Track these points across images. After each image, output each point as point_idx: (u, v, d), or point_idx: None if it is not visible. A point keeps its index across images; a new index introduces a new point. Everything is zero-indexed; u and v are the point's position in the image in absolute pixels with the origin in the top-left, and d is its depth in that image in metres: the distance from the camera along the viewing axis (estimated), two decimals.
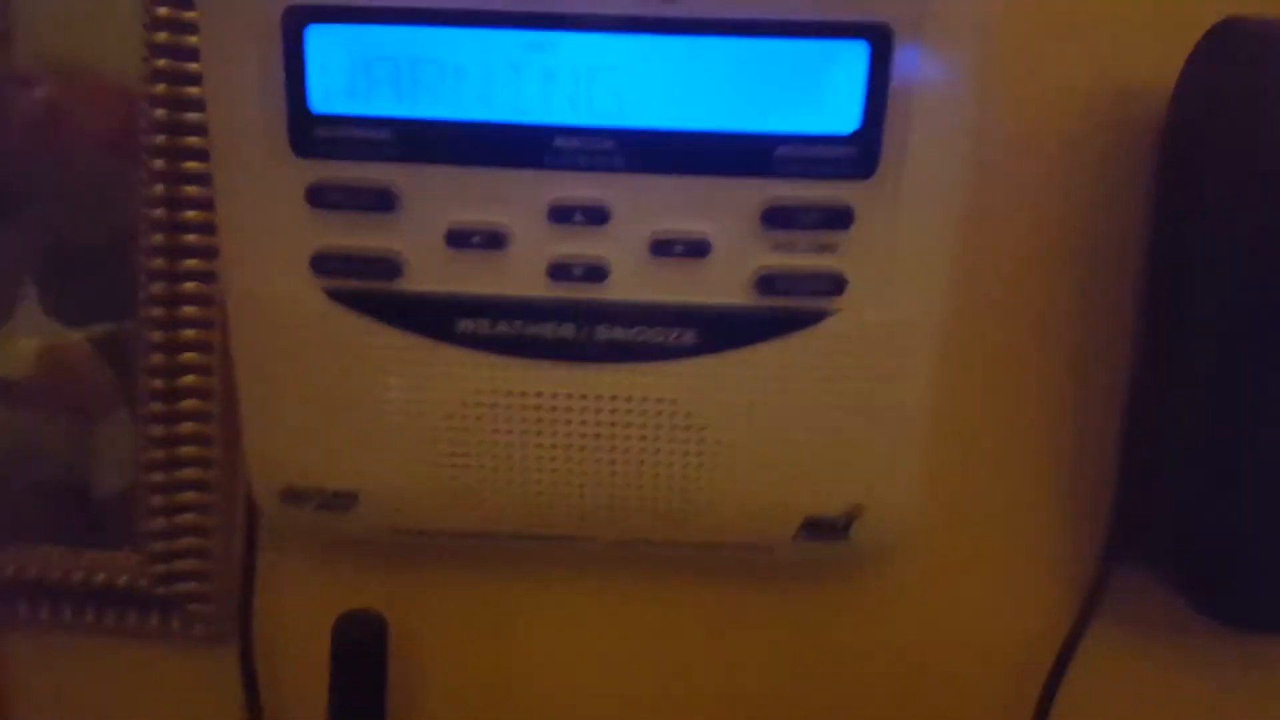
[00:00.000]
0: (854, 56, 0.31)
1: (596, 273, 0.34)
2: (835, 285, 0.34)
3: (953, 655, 0.44)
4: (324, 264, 0.35)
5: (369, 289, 0.35)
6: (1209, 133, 0.36)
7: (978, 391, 0.42)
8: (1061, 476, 0.42)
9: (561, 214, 0.34)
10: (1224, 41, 0.35)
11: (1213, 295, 0.36)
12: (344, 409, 0.37)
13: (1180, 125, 0.37)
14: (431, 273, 0.35)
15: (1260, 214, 0.34)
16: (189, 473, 0.45)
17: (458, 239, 0.34)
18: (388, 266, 0.35)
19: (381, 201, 0.34)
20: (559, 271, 0.34)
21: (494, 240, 0.34)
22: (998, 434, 0.42)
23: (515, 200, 0.34)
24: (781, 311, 0.34)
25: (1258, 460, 0.36)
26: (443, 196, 0.34)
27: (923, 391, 0.35)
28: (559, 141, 0.33)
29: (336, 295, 0.35)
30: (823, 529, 0.37)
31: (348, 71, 0.33)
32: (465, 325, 0.35)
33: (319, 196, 0.34)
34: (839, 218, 0.33)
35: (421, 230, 0.34)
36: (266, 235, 0.35)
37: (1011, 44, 0.38)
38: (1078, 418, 0.42)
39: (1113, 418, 0.42)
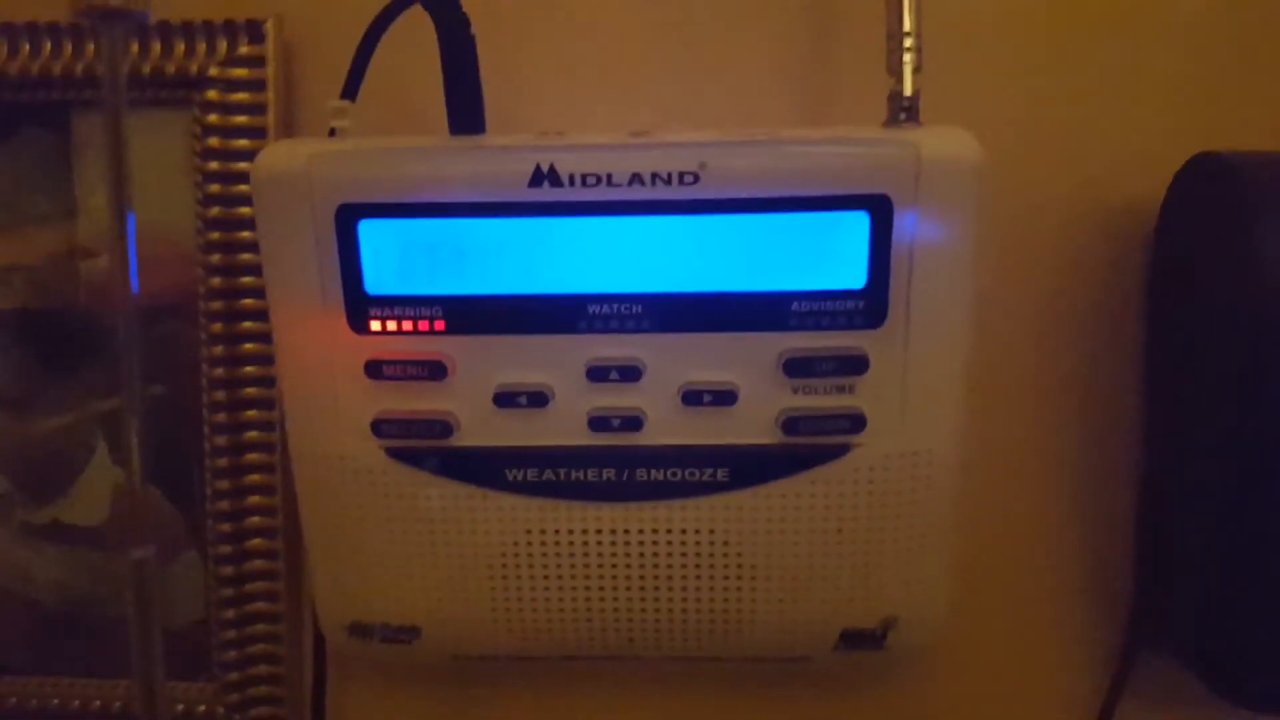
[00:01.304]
0: (857, 224, 0.34)
1: (633, 423, 0.37)
2: (855, 423, 0.36)
3: None
4: (383, 428, 0.38)
5: (425, 446, 0.38)
6: (1192, 255, 0.39)
7: (999, 500, 0.44)
8: (1082, 571, 0.45)
9: (598, 373, 0.37)
10: (1200, 174, 0.38)
11: (1214, 401, 0.39)
12: (404, 553, 0.40)
13: (1166, 248, 0.40)
14: (481, 430, 0.38)
15: (1246, 323, 0.37)
16: (258, 606, 0.48)
17: (504, 399, 0.37)
18: (441, 427, 0.38)
19: (434, 371, 0.37)
20: (598, 423, 0.37)
21: (537, 399, 0.37)
22: (1019, 536, 0.45)
23: (555, 362, 0.37)
24: (806, 448, 0.37)
25: (1268, 551, 0.38)
26: (489, 363, 0.37)
27: (944, 510, 0.38)
28: (593, 308, 0.36)
29: (395, 454, 0.38)
30: (860, 640, 0.40)
31: (398, 258, 0.36)
32: (514, 474, 0.38)
33: (376, 370, 0.37)
34: (854, 364, 0.36)
35: (471, 393, 0.37)
36: (329, 404, 0.38)
37: (1005, 172, 0.41)
38: (1095, 515, 0.44)
39: (1131, 509, 0.44)
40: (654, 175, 0.34)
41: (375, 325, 0.37)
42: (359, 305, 0.37)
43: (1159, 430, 0.42)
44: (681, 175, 0.34)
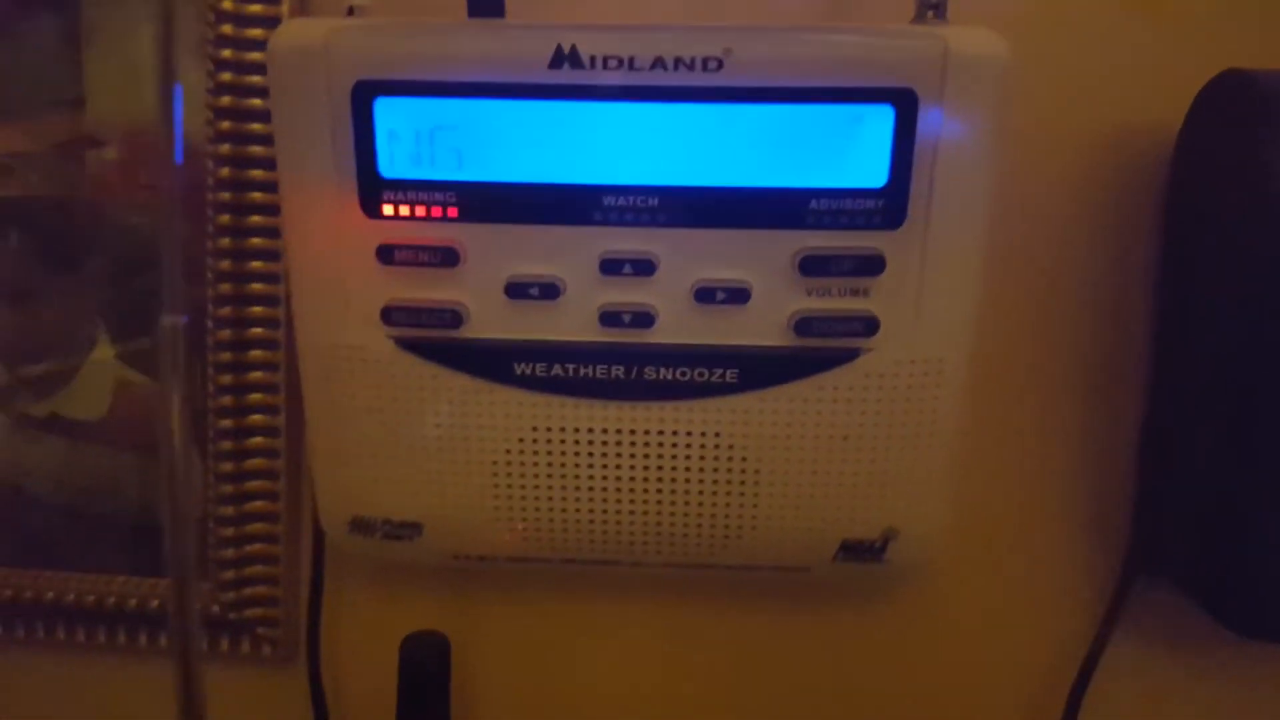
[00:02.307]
0: (881, 119, 0.34)
1: (644, 319, 0.37)
2: (868, 327, 0.36)
3: (981, 666, 0.47)
4: (393, 316, 0.37)
5: (434, 337, 0.38)
6: (1213, 175, 0.38)
7: (1003, 418, 0.44)
8: (1082, 494, 0.45)
9: (611, 266, 0.36)
10: (1225, 91, 0.37)
11: (1221, 323, 0.38)
12: (409, 447, 0.40)
13: (1185, 168, 0.40)
14: (492, 321, 0.37)
15: (1264, 250, 0.36)
16: (257, 505, 0.48)
17: (516, 290, 0.37)
18: (451, 316, 0.37)
19: (446, 258, 0.36)
20: (609, 319, 0.37)
21: (549, 291, 0.37)
22: (1022, 456, 0.45)
23: (568, 254, 0.36)
24: (818, 351, 0.37)
25: (1270, 475, 0.38)
26: (502, 252, 0.37)
27: (952, 422, 0.38)
28: (608, 200, 0.36)
29: (404, 344, 0.38)
30: (860, 551, 0.40)
31: (413, 140, 0.36)
32: (523, 368, 0.38)
33: (388, 255, 0.37)
34: (870, 265, 0.35)
35: (482, 283, 0.37)
36: (338, 290, 0.38)
37: (1022, 92, 0.40)
38: (1097, 437, 0.44)
39: (1130, 436, 0.44)
40: (677, 60, 0.33)
41: (388, 209, 0.36)
42: (372, 188, 0.36)
43: (1169, 348, 0.42)
44: (705, 61, 0.33)
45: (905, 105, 0.33)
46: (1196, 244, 0.40)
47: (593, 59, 0.34)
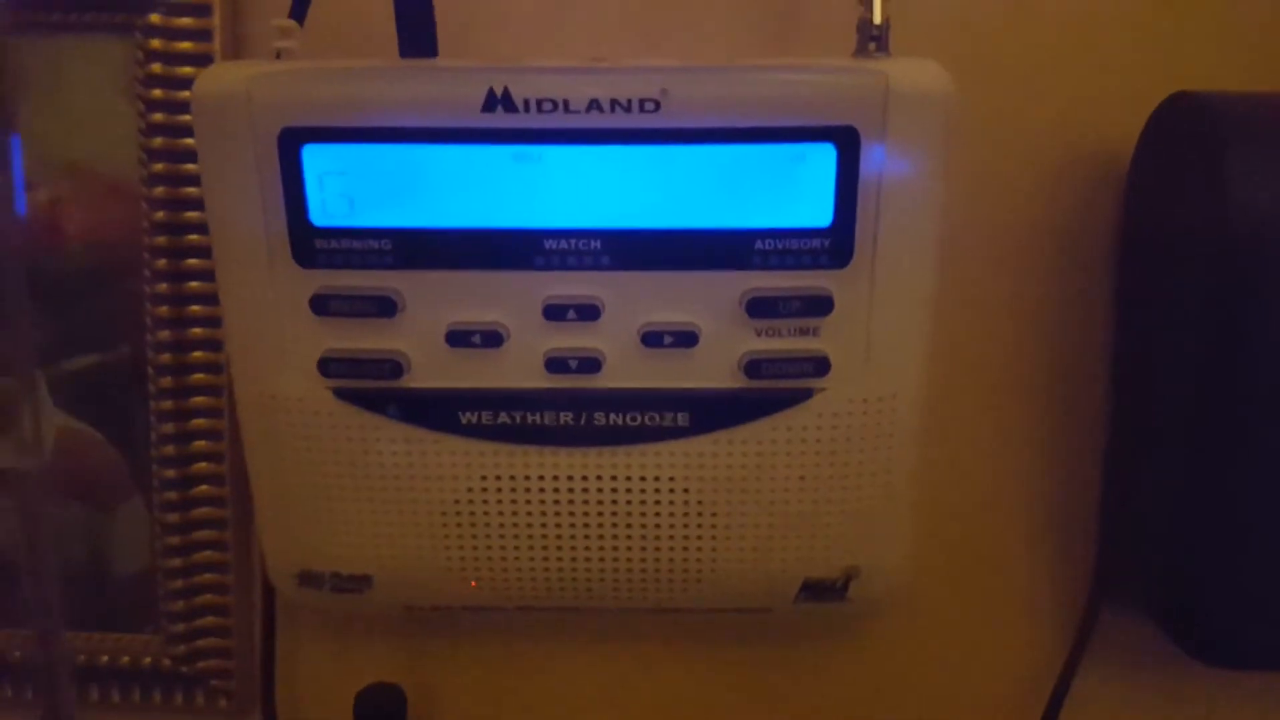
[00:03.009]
0: (823, 157, 0.33)
1: (591, 364, 0.36)
2: (819, 367, 0.35)
3: (949, 700, 0.46)
4: (330, 366, 0.36)
5: (375, 387, 0.37)
6: (1167, 198, 0.38)
7: (961, 451, 0.43)
8: (1046, 523, 0.44)
9: (555, 311, 0.35)
10: (1176, 114, 0.37)
11: (1179, 349, 0.38)
12: (355, 499, 0.39)
13: (1139, 192, 0.39)
14: (434, 370, 0.36)
15: (1219, 275, 0.36)
16: (205, 555, 0.47)
17: (457, 338, 0.36)
18: (392, 366, 0.36)
19: (383, 307, 0.35)
20: (555, 365, 0.36)
21: (492, 338, 0.36)
22: (982, 488, 0.44)
23: (511, 300, 0.35)
24: (769, 392, 0.36)
25: (1228, 502, 0.38)
26: (442, 300, 0.35)
27: (908, 458, 0.37)
28: (549, 244, 0.35)
29: (343, 394, 0.37)
30: (821, 590, 0.39)
31: (345, 186, 0.34)
32: (468, 417, 0.37)
33: (323, 305, 0.35)
34: (819, 305, 0.34)
35: (423, 332, 0.36)
36: (274, 341, 0.36)
37: (971, 120, 0.40)
38: (1058, 468, 0.44)
39: (1092, 465, 0.43)
40: (613, 101, 0.32)
41: (321, 258, 0.35)
42: (304, 237, 0.35)
43: (1128, 376, 0.42)
44: (642, 102, 0.32)
45: (847, 143, 0.33)
46: (1153, 269, 0.39)
47: (526, 102, 0.33)
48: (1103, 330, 0.42)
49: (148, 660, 0.48)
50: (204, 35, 0.42)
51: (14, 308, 0.27)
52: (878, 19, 0.34)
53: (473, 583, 0.40)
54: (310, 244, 0.35)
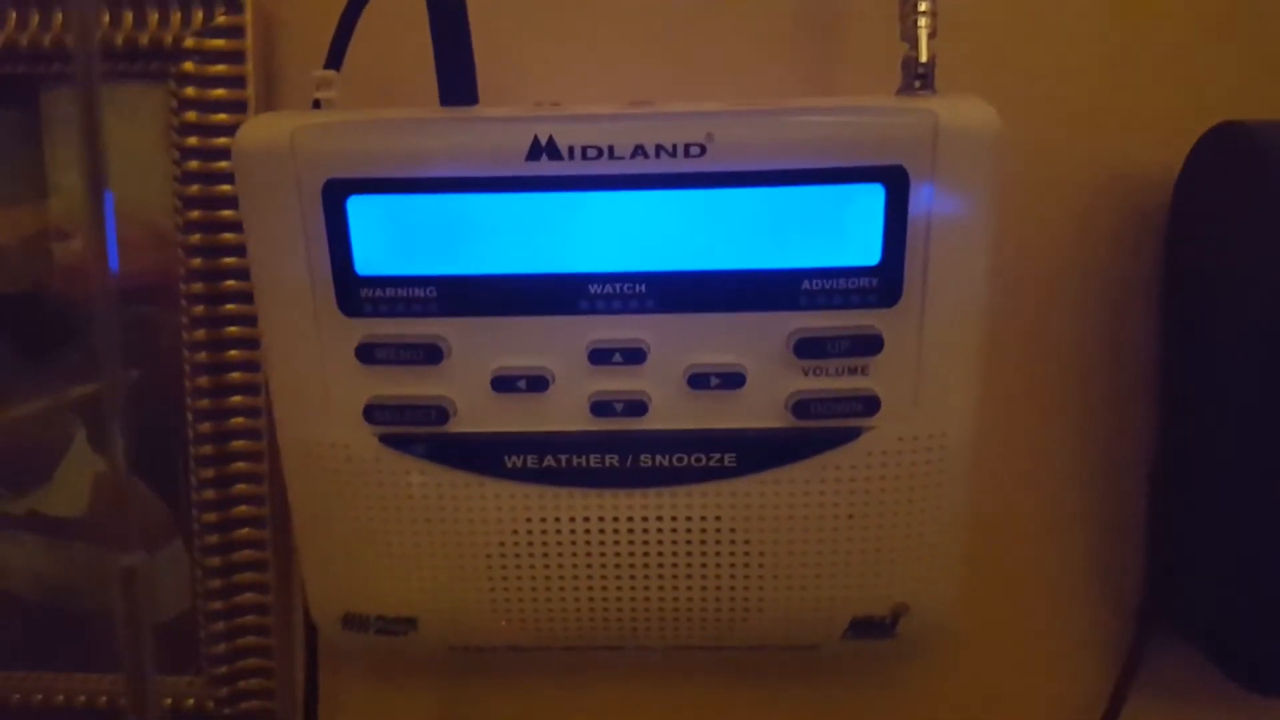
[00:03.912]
0: (871, 197, 0.33)
1: (637, 407, 0.36)
2: (868, 406, 0.35)
3: None
4: (375, 414, 0.36)
5: (420, 433, 0.37)
6: (1210, 227, 0.37)
7: (1010, 483, 0.43)
8: (1093, 556, 0.44)
9: (600, 355, 0.35)
10: (1221, 143, 0.37)
11: (1233, 380, 0.38)
12: (399, 543, 0.38)
13: (1182, 220, 0.39)
14: (479, 416, 0.36)
15: (1267, 299, 0.36)
16: (247, 597, 0.47)
17: (502, 384, 0.36)
18: (437, 413, 0.36)
19: (429, 355, 0.35)
20: (601, 408, 0.36)
21: (537, 383, 0.35)
22: (1029, 519, 0.44)
23: (556, 345, 0.35)
24: (817, 432, 0.36)
25: (1275, 527, 0.37)
26: (486, 346, 0.35)
27: (958, 495, 0.37)
28: (594, 288, 0.34)
29: (389, 440, 0.37)
30: (870, 628, 0.39)
31: (389, 236, 0.34)
32: (513, 461, 0.37)
33: (368, 354, 0.35)
34: (868, 344, 0.34)
35: (467, 378, 0.36)
36: (318, 389, 0.36)
37: (1014, 147, 0.40)
38: (1107, 500, 0.43)
39: (1139, 492, 0.43)
40: (658, 147, 0.32)
41: (367, 307, 0.35)
42: (349, 286, 0.35)
43: (1175, 410, 0.41)
44: (687, 147, 0.32)
45: (896, 183, 0.32)
46: (1198, 297, 0.39)
47: (571, 149, 0.32)
48: (1147, 364, 0.42)
49: (191, 702, 0.48)
50: (238, 82, 0.42)
51: (110, 372, 0.27)
52: (924, 57, 0.33)
53: (504, 621, 0.39)
54: (355, 293, 0.35)
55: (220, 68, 0.42)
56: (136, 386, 0.46)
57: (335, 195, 0.34)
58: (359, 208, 0.34)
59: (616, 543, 0.38)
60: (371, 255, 0.35)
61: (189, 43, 0.42)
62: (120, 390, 0.27)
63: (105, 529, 0.47)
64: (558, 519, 0.37)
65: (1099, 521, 0.44)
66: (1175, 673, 0.44)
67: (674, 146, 0.32)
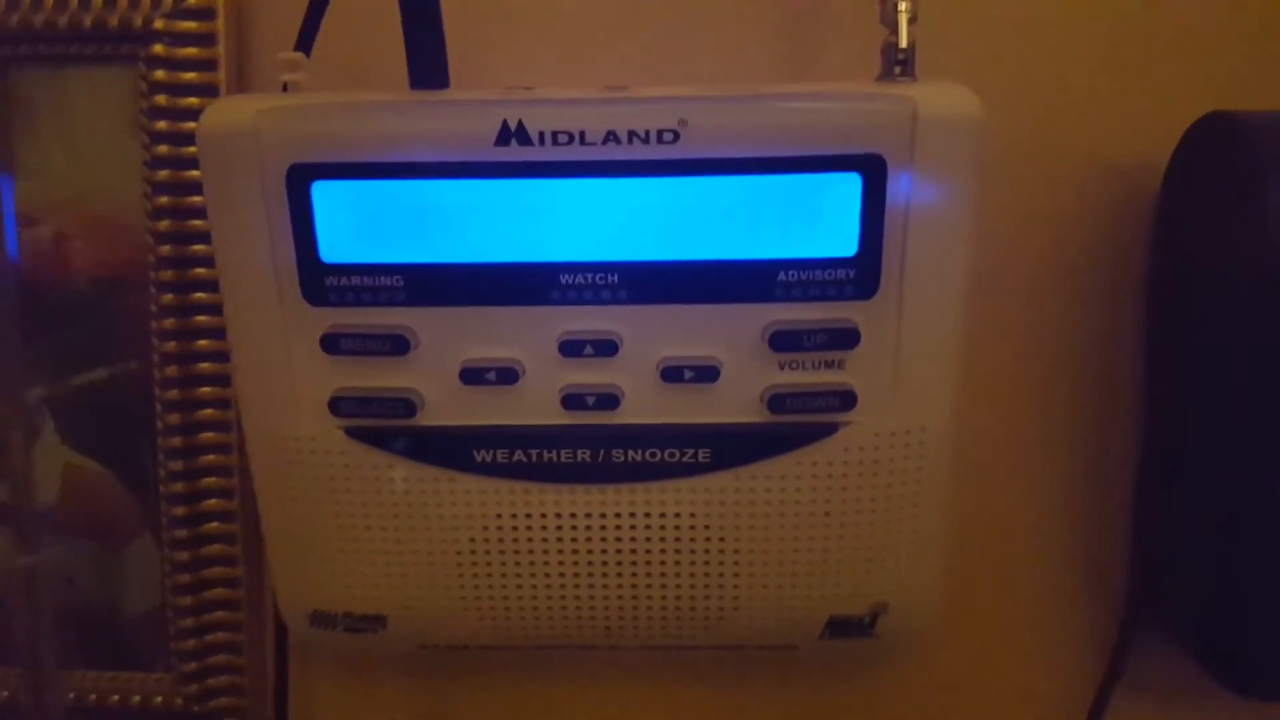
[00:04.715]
0: (848, 187, 0.32)
1: (609, 401, 0.35)
2: (845, 400, 0.34)
3: None
4: (341, 406, 0.35)
5: (387, 426, 0.36)
6: (1200, 218, 0.37)
7: (991, 479, 0.42)
8: (1078, 554, 0.43)
9: (572, 347, 0.34)
10: (1210, 133, 0.36)
11: (1220, 374, 0.37)
12: (367, 539, 0.38)
13: (1171, 211, 0.38)
14: (447, 408, 0.35)
15: (1254, 291, 0.35)
16: (217, 593, 0.46)
17: (471, 376, 0.35)
18: (404, 405, 0.35)
19: (396, 345, 0.34)
20: (572, 401, 0.35)
21: (507, 375, 0.35)
22: (1012, 516, 0.43)
23: (526, 336, 0.34)
24: (793, 427, 0.35)
25: (1269, 535, 0.37)
26: (455, 337, 0.34)
27: (938, 490, 0.36)
28: (565, 278, 0.34)
29: (355, 433, 0.36)
30: (848, 627, 0.38)
31: (355, 223, 0.33)
32: (482, 455, 0.36)
33: (334, 344, 0.35)
34: (844, 337, 0.33)
35: (436, 369, 0.35)
36: (284, 380, 0.36)
37: (998, 136, 0.39)
38: (1091, 497, 0.43)
39: (1125, 488, 0.42)
40: (631, 133, 0.31)
41: (332, 296, 0.34)
42: (314, 274, 0.34)
43: (1161, 405, 0.40)
44: (660, 133, 0.31)
45: (873, 172, 0.31)
46: (1186, 289, 0.38)
47: (541, 134, 0.32)
48: (1135, 358, 0.41)
49: (159, 699, 0.47)
50: (209, 65, 0.42)
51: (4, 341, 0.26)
52: (903, 42, 0.32)
53: (472, 620, 0.38)
54: (320, 281, 0.34)
55: (191, 50, 0.41)
56: (105, 378, 0.45)
57: (300, 180, 0.33)
58: (324, 193, 0.33)
59: (589, 539, 0.37)
60: (337, 242, 0.34)
61: (159, 24, 0.41)
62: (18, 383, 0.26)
63: (74, 519, 0.47)
64: (528, 515, 0.37)
65: (1084, 518, 0.43)
66: (1161, 671, 0.43)
67: (646, 133, 0.31)
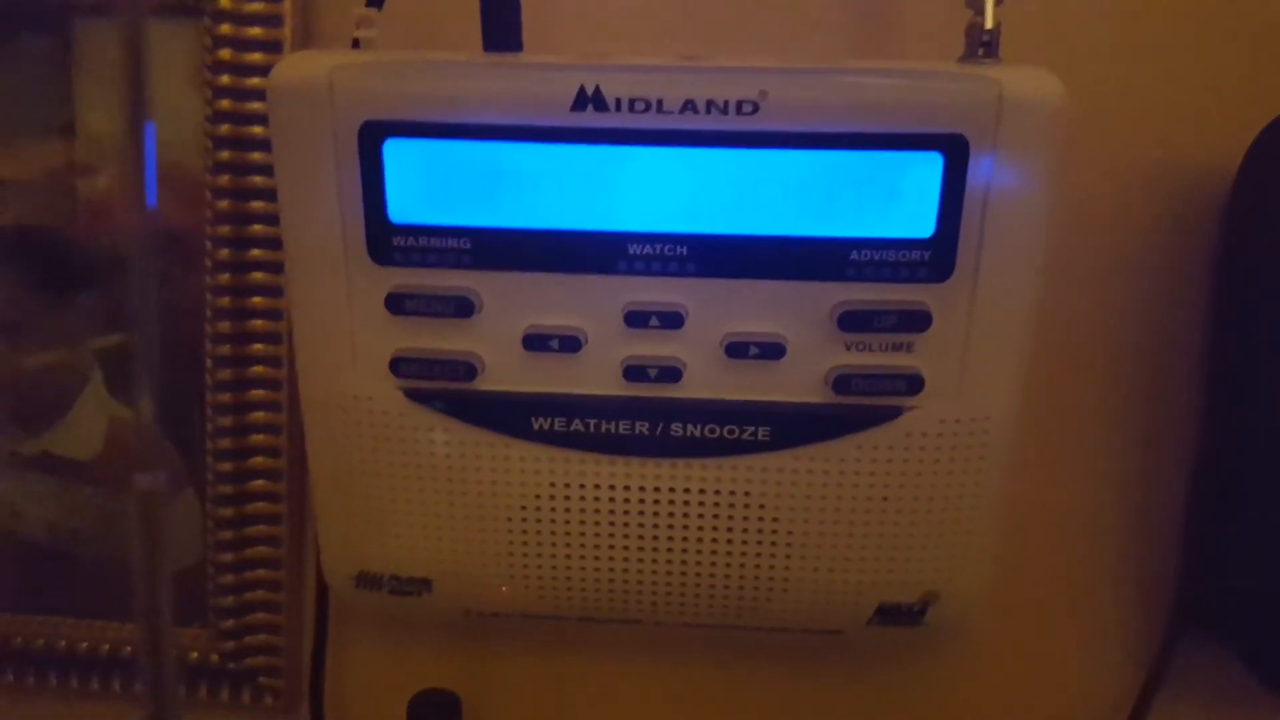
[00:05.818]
0: (929, 166, 0.31)
1: (671, 374, 0.34)
2: (912, 384, 0.34)
3: None
4: (402, 366, 0.35)
5: (446, 389, 0.36)
6: (1269, 219, 0.36)
7: (1046, 472, 0.42)
8: (1128, 550, 0.43)
9: (637, 318, 0.34)
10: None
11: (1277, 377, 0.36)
12: (419, 500, 0.38)
13: (1240, 214, 0.37)
14: (508, 374, 0.35)
15: None
16: (258, 550, 0.46)
17: (534, 342, 0.34)
18: (465, 368, 0.35)
19: (460, 308, 0.34)
20: (634, 373, 0.35)
21: (570, 343, 0.34)
22: (1064, 512, 0.42)
23: (591, 305, 0.34)
24: (857, 409, 0.34)
25: None
26: (519, 302, 0.34)
27: (997, 481, 0.36)
28: (634, 248, 0.33)
29: (414, 395, 0.36)
30: (897, 614, 0.38)
31: (425, 183, 0.33)
32: (541, 423, 0.36)
33: (398, 304, 0.34)
34: (915, 320, 0.33)
35: (498, 334, 0.35)
36: (345, 339, 0.35)
37: (1074, 126, 0.38)
38: (1144, 491, 0.42)
39: (1179, 492, 0.42)
40: (709, 103, 0.31)
41: (398, 256, 0.34)
42: (381, 233, 0.34)
43: (1221, 408, 0.40)
44: (740, 104, 0.31)
45: (955, 152, 0.31)
46: (1253, 293, 0.37)
47: (618, 101, 0.31)
48: (1196, 359, 0.41)
49: (195, 655, 0.47)
50: (274, 21, 0.41)
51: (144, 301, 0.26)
52: (989, 24, 0.32)
53: (503, 588, 0.38)
54: (388, 241, 0.34)
55: (257, 5, 0.41)
56: (156, 331, 0.45)
57: (372, 138, 0.33)
58: (395, 152, 0.33)
59: (641, 513, 0.37)
60: (406, 202, 0.33)
61: None
62: (152, 311, 0.26)
63: (117, 472, 0.47)
64: (583, 485, 0.36)
65: (1134, 518, 0.42)
66: (1205, 674, 0.42)
67: (725, 103, 0.31)
